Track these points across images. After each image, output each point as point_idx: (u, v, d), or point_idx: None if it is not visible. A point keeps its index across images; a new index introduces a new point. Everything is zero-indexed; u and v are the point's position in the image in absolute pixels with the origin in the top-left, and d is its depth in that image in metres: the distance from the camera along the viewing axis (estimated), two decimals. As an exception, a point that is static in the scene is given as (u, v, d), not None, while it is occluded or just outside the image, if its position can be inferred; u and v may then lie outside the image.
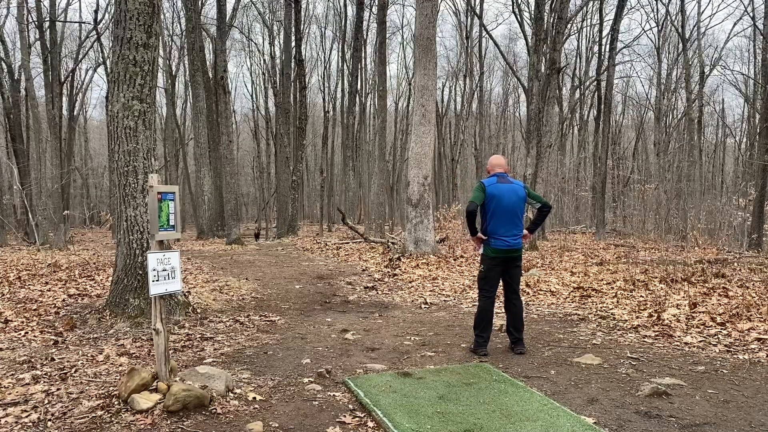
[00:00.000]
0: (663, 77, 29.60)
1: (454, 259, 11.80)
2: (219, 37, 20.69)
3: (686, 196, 20.36)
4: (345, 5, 31.96)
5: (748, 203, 15.87)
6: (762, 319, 6.05)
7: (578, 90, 31.05)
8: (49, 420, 3.46)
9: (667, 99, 29.71)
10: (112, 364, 4.62)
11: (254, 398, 3.85)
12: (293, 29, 21.45)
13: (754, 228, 15.11)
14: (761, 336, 5.45)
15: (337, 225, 29.43)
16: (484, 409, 3.63)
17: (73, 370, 4.44)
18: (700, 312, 6.45)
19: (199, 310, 6.79)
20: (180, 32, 32.21)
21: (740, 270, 10.04)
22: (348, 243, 17.20)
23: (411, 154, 12.73)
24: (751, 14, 24.37)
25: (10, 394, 3.87)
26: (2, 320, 6.12)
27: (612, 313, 6.68)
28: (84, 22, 27.79)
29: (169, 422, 3.40)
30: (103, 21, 25.78)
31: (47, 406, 3.67)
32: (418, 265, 11.03)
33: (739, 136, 35.42)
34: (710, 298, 7.27)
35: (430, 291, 8.55)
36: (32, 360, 4.72)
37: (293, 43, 21.64)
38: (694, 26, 27.10)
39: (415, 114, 12.69)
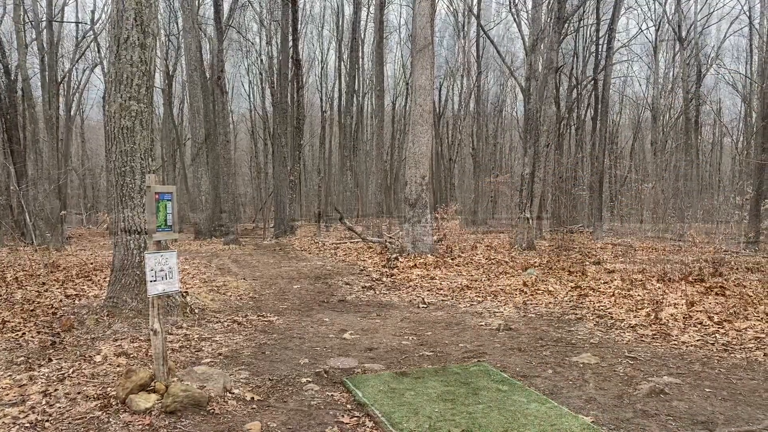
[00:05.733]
0: (660, 77, 29.65)
1: (452, 259, 11.81)
2: (216, 37, 20.66)
3: (683, 195, 20.42)
4: (342, 5, 32.01)
5: (745, 202, 15.90)
6: (759, 318, 6.07)
7: (575, 89, 31.04)
8: (47, 421, 3.45)
9: (664, 98, 29.75)
10: (109, 364, 4.61)
11: (252, 398, 3.84)
12: (290, 29, 21.41)
13: (751, 227, 15.16)
14: (758, 335, 5.47)
15: (334, 225, 29.41)
16: (483, 409, 3.63)
17: (71, 370, 4.43)
18: (697, 311, 6.47)
19: (196, 311, 6.78)
20: (177, 32, 32.13)
21: (737, 269, 10.07)
22: (346, 243, 17.19)
23: (409, 154, 12.74)
24: (747, 14, 24.46)
25: (7, 394, 3.86)
26: (-1, 321, 6.11)
27: (609, 313, 6.69)
28: (81, 22, 27.71)
29: (167, 422, 3.40)
30: (100, 21, 25.72)
31: (45, 406, 3.66)
32: (415, 264, 11.03)
33: (735, 135, 35.49)
34: (707, 297, 7.29)
35: (428, 290, 8.55)
36: (30, 361, 4.71)
37: (290, 43, 21.59)
38: (691, 25, 27.16)
39: (413, 114, 12.69)
